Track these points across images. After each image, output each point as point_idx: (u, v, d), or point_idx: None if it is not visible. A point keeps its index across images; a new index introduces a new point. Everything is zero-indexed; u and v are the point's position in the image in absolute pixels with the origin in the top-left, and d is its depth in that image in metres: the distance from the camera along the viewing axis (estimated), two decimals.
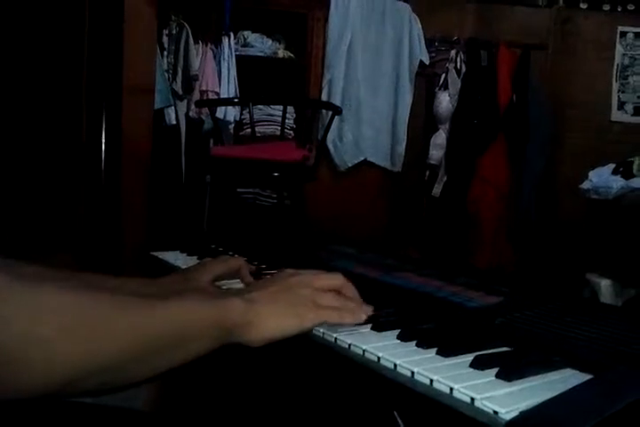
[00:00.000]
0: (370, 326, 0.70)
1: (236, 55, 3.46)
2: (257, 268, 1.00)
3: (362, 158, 3.65)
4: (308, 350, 0.69)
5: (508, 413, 0.50)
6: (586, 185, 2.89)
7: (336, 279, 0.74)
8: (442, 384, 0.56)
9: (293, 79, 3.60)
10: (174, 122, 3.32)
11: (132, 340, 0.55)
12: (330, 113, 3.05)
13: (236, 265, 0.93)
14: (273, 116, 3.53)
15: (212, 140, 3.43)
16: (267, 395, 0.84)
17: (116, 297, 0.57)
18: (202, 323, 0.61)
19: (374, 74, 3.62)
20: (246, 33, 3.60)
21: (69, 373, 0.50)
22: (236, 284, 0.93)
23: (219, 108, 3.31)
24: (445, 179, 3.62)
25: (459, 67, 3.63)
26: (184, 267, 1.05)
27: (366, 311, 0.71)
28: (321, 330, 0.70)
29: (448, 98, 3.60)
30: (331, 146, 3.58)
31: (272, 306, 0.67)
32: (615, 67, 3.73)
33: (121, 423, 0.68)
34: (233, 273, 0.94)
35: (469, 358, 0.61)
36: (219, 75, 3.40)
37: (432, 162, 3.67)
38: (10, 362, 0.46)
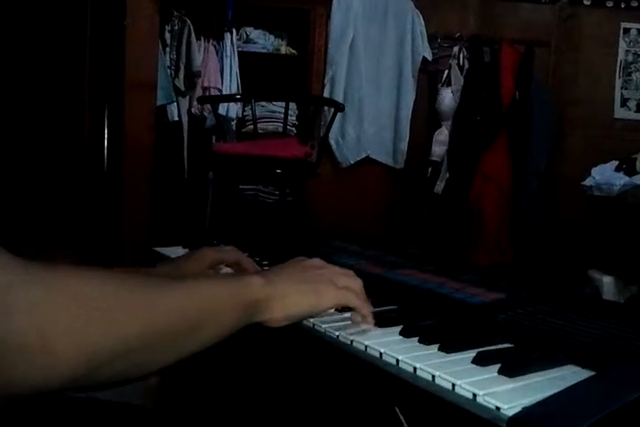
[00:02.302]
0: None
1: (238, 51, 3.45)
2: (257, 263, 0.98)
3: (364, 155, 3.65)
4: (310, 346, 0.69)
5: (510, 409, 0.50)
6: (589, 182, 2.88)
7: (348, 275, 0.72)
8: (444, 380, 0.56)
9: (296, 76, 3.59)
10: (176, 118, 3.32)
11: (151, 321, 0.53)
12: (332, 110, 3.05)
13: (233, 258, 0.90)
14: (275, 113, 3.52)
15: (214, 137, 3.43)
16: (267, 390, 0.84)
17: (131, 278, 0.56)
18: (223, 300, 0.60)
19: (377, 70, 3.62)
20: (249, 29, 3.59)
21: (84, 360, 0.48)
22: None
23: (221, 105, 3.31)
24: (448, 176, 3.62)
25: (461, 63, 3.62)
26: None
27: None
28: (323, 326, 0.70)
29: (451, 94, 3.59)
30: (333, 143, 3.58)
31: (291, 283, 0.66)
32: (618, 63, 3.71)
33: (119, 418, 0.68)
34: (230, 264, 0.91)
35: (472, 354, 0.61)
36: (221, 71, 3.40)
37: (434, 159, 3.66)
38: (16, 353, 0.44)
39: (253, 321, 0.62)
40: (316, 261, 0.72)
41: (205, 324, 0.58)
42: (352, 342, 0.66)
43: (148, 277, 0.58)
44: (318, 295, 0.66)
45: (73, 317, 0.47)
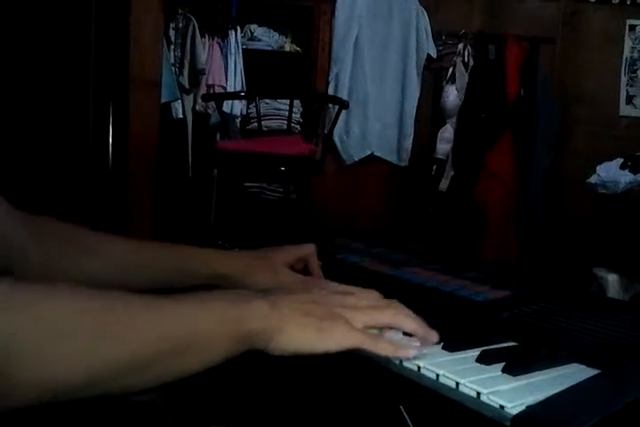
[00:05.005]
0: None
1: (242, 49, 3.45)
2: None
3: (368, 153, 3.64)
4: None
5: (514, 407, 0.50)
6: (593, 179, 2.87)
7: (376, 308, 0.65)
8: (448, 379, 0.56)
9: (300, 73, 3.59)
10: (181, 116, 3.32)
11: (125, 348, 0.49)
12: (336, 107, 3.05)
13: (309, 251, 0.88)
14: (280, 111, 3.52)
15: (218, 135, 3.43)
16: (268, 386, 0.84)
17: (108, 297, 0.52)
18: (217, 325, 0.56)
19: (381, 68, 3.61)
20: (253, 26, 3.59)
21: (42, 389, 0.45)
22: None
23: (225, 102, 3.31)
24: (452, 173, 3.61)
25: (466, 60, 3.61)
26: None
27: (432, 337, 0.63)
28: None
29: (455, 92, 3.59)
30: (337, 140, 3.57)
31: (297, 314, 0.60)
32: (624, 60, 3.69)
33: (119, 413, 0.68)
34: (303, 260, 0.88)
35: (475, 352, 0.61)
36: (225, 68, 3.40)
37: (439, 156, 3.66)
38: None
39: (255, 348, 0.58)
40: (341, 287, 0.67)
41: (187, 351, 0.54)
42: None
43: (130, 295, 0.53)
44: (320, 335, 0.60)
45: (34, 341, 0.44)
